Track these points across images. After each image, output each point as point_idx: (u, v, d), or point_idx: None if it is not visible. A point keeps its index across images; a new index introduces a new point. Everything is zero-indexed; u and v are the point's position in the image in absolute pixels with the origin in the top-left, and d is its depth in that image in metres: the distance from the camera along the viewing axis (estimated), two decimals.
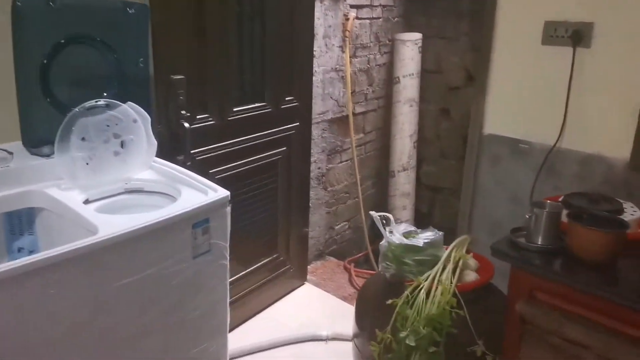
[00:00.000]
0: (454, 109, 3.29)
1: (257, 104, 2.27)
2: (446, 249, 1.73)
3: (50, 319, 1.25)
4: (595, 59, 1.78)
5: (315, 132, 2.80)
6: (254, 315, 2.50)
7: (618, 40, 1.73)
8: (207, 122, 2.06)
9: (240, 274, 2.40)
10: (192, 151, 2.01)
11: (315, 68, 2.67)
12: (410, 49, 3.10)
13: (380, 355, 1.51)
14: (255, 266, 2.47)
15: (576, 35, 1.79)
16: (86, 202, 1.62)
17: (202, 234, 1.58)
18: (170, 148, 1.94)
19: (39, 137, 1.59)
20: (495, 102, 1.99)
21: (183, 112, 1.92)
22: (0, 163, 1.51)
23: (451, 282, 1.58)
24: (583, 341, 1.29)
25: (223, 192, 1.64)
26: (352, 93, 2.95)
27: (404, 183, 3.29)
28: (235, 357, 2.21)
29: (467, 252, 1.79)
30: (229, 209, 1.66)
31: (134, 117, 1.71)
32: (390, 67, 3.22)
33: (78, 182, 1.62)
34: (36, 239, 1.63)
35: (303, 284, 2.81)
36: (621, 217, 1.52)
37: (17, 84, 1.52)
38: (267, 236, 2.49)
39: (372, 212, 1.74)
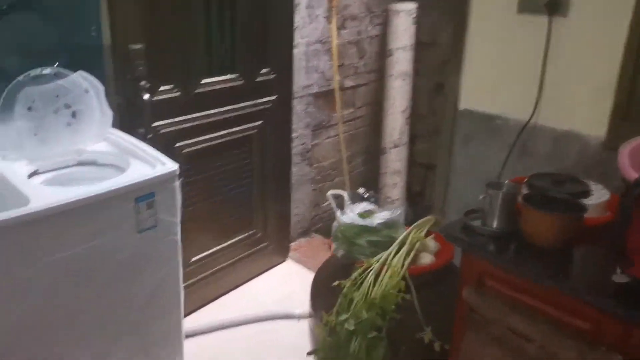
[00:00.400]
0: (448, 84, 3.16)
1: (227, 76, 2.20)
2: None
3: None
4: (571, 29, 1.65)
5: (299, 106, 2.71)
6: (230, 291, 2.47)
7: (595, 8, 1.60)
8: (171, 93, 2.00)
9: (215, 249, 2.37)
10: (154, 124, 1.96)
11: (299, 39, 2.57)
12: (404, 19, 2.96)
13: (324, 338, 1.45)
14: (230, 242, 2.43)
15: (552, 3, 1.65)
16: (34, 173, 1.59)
17: (146, 209, 1.54)
18: (130, 120, 1.89)
19: None
20: (470, 74, 1.88)
21: (142, 82, 1.86)
22: None
23: (403, 265, 1.51)
24: (526, 332, 1.21)
25: (171, 166, 1.58)
26: (339, 66, 2.85)
27: (395, 160, 3.19)
28: (204, 333, 2.19)
29: (431, 234, 1.71)
30: (177, 183, 1.61)
31: (85, 86, 1.67)
32: (383, 39, 3.09)
33: (25, 153, 1.59)
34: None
35: (284, 260, 2.77)
36: (585, 200, 1.41)
37: None
38: (241, 212, 2.44)
39: (330, 192, 1.66)
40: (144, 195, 1.52)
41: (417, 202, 3.29)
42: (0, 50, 1.55)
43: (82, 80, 1.66)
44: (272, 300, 2.42)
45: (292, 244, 2.87)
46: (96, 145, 1.72)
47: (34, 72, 1.57)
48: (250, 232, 2.52)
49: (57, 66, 1.64)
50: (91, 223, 1.42)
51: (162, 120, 1.99)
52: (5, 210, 1.29)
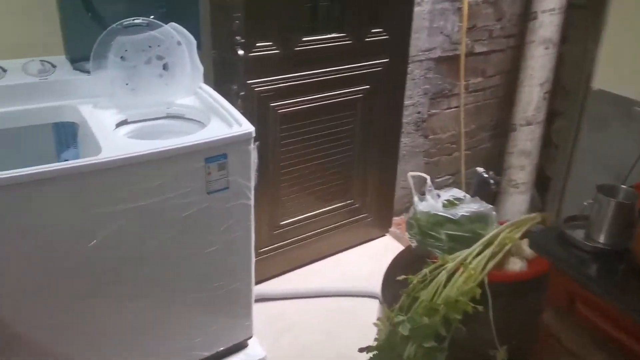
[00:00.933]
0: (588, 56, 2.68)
1: (333, 35, 2.05)
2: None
3: (34, 237, 1.28)
4: None
5: (418, 71, 2.49)
6: (318, 259, 2.40)
7: None
8: (269, 50, 1.91)
9: (307, 215, 2.30)
10: (249, 81, 1.90)
11: None
12: None
13: (383, 336, 1.31)
14: (324, 209, 2.34)
15: None
16: (123, 122, 1.62)
17: (217, 170, 1.49)
18: (223, 76, 1.85)
19: (81, 53, 1.60)
20: (611, 48, 1.52)
21: (238, 37, 1.79)
22: (41, 74, 1.56)
23: (483, 269, 1.29)
24: None
25: (247, 128, 1.51)
26: (470, 29, 2.54)
27: (525, 140, 2.82)
28: (279, 299, 2.15)
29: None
30: (252, 146, 1.54)
31: (177, 39, 1.64)
32: None
33: (116, 101, 1.62)
34: (79, 153, 1.69)
35: (383, 235, 2.62)
36: None
37: None
38: (340, 180, 2.33)
39: (410, 173, 1.47)
40: (215, 156, 1.48)
41: (547, 189, 2.90)
42: None
43: (175, 32, 1.63)
44: (361, 275, 2.31)
45: (395, 219, 2.70)
46: (185, 99, 1.70)
47: (127, 21, 1.57)
48: (348, 202, 2.41)
49: (153, 16, 1.63)
50: (159, 179, 1.40)
51: (258, 78, 1.92)
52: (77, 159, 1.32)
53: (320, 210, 2.32)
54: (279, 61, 1.94)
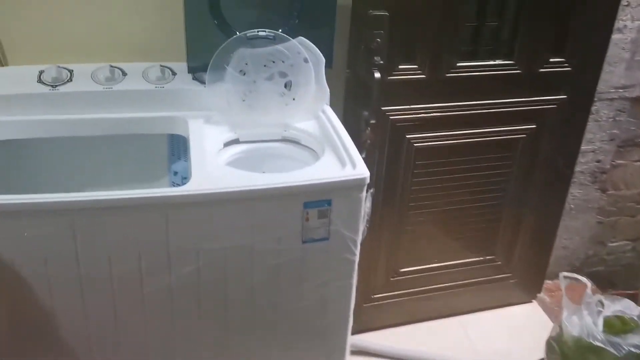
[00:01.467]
0: None
1: (497, 62, 1.68)
2: None
3: (104, 267, 1.16)
4: None
5: (605, 112, 2.00)
6: (443, 317, 2.06)
7: None
8: (412, 75, 1.62)
9: (433, 265, 1.97)
10: (384, 108, 1.63)
11: (626, 22, 1.84)
12: None
13: None
14: (456, 261, 1.99)
15: None
16: (233, 142, 1.47)
17: (317, 217, 1.26)
18: (355, 99, 1.61)
19: (202, 62, 1.46)
20: None
21: (377, 58, 1.53)
22: (158, 82, 1.46)
23: None
24: None
25: (360, 172, 1.25)
26: None
27: None
28: (388, 357, 1.87)
29: None
30: (364, 194, 1.27)
31: (305, 55, 1.43)
32: None
33: (230, 117, 1.47)
34: (188, 166, 1.58)
35: (528, 301, 2.18)
36: None
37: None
38: (480, 231, 1.96)
39: (563, 273, 1.08)
40: (316, 201, 1.24)
41: None
42: (230, 3, 1.41)
43: (303, 48, 1.42)
44: (492, 348, 1.93)
45: (547, 282, 2.24)
46: (305, 123, 1.50)
47: (251, 32, 1.40)
48: (488, 257, 2.03)
49: (282, 27, 1.44)
50: (248, 219, 1.21)
51: (395, 105, 1.64)
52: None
53: (451, 262, 1.98)
54: (423, 88, 1.64)
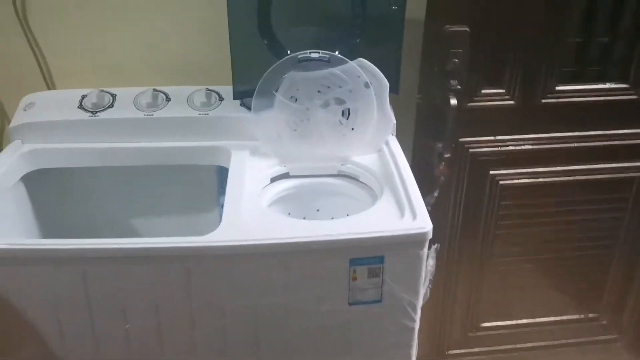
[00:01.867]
0: None
1: (608, 85, 1.37)
2: None
3: (111, 319, 1.03)
4: None
5: None
6: None
7: None
8: (498, 101, 1.36)
9: (523, 320, 1.68)
10: (462, 139, 1.38)
11: None
12: None
13: None
14: (551, 318, 1.68)
15: None
16: (282, 176, 1.30)
17: (367, 276, 1.05)
18: (427, 129, 1.38)
19: (249, 86, 1.30)
20: None
21: (453, 81, 1.29)
22: (202, 108, 1.32)
23: None
24: None
25: (422, 225, 1.03)
26: None
27: None
28: None
29: None
30: (426, 251, 1.04)
31: (365, 79, 1.23)
32: None
33: (279, 149, 1.29)
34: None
35: None
36: None
37: (228, 13, 1.23)
38: (581, 284, 1.63)
39: None
40: (365, 257, 1.03)
41: None
42: (283, 19, 1.24)
43: (362, 72, 1.22)
44: None
45: None
46: (364, 157, 1.29)
47: (303, 54, 1.22)
48: (590, 315, 1.69)
49: (340, 46, 1.25)
50: (283, 275, 1.03)
51: (475, 136, 1.39)
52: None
53: (544, 319, 1.68)
54: (511, 116, 1.37)
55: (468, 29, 1.26)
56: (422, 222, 1.03)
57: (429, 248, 1.06)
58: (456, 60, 1.27)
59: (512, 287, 1.62)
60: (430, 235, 1.02)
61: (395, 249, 1.03)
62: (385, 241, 1.02)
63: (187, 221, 1.48)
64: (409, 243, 1.03)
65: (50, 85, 1.40)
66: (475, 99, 1.34)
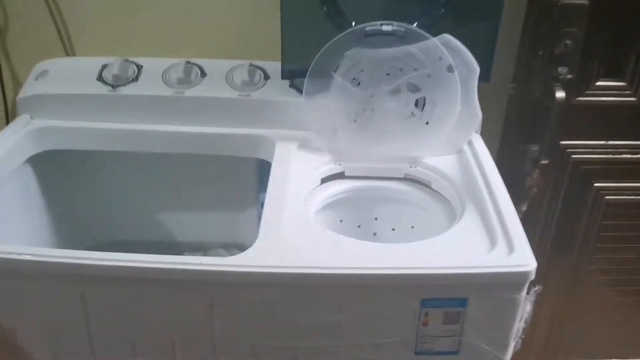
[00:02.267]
0: None
1: None
2: None
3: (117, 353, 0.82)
4: None
5: None
6: None
7: None
8: (615, 96, 1.08)
9: None
10: (563, 142, 1.11)
11: None
12: None
13: None
14: None
15: None
16: (336, 176, 1.06)
17: (442, 320, 0.80)
18: (520, 128, 1.10)
19: (302, 65, 1.05)
20: None
21: (562, 69, 1.01)
22: (244, 88, 1.09)
23: None
24: None
25: (523, 262, 0.77)
26: None
27: None
28: None
29: None
30: (524, 295, 0.78)
31: (449, 61, 0.97)
32: None
33: (334, 143, 1.05)
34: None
35: None
36: None
37: None
38: None
39: None
40: (441, 299, 0.78)
41: None
42: None
43: (444, 51, 0.95)
44: None
45: None
46: (441, 158, 1.03)
47: (372, 25, 0.96)
48: None
49: (418, 21, 0.99)
50: (331, 312, 0.79)
51: (580, 139, 1.11)
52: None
53: None
54: (631, 116, 1.10)
55: (587, 1, 0.97)
56: (522, 258, 0.77)
57: (528, 291, 0.80)
58: (568, 42, 1.00)
59: (603, 323, 1.34)
60: (532, 276, 0.76)
61: (484, 290, 0.78)
62: (471, 280, 0.77)
63: (220, 220, 1.27)
64: (504, 285, 0.77)
65: (69, 50, 1.19)
66: (587, 92, 1.07)
